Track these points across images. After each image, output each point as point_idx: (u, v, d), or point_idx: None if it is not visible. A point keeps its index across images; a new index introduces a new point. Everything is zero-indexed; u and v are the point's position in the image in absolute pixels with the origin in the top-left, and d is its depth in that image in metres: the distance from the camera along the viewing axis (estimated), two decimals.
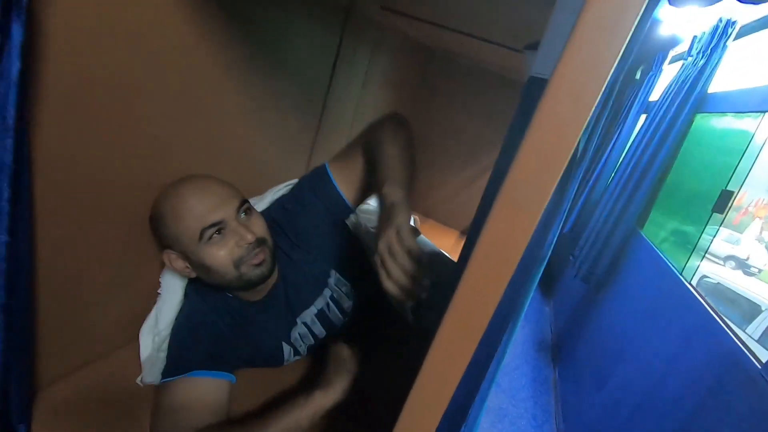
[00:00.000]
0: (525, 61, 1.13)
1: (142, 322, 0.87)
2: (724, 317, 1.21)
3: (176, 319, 0.84)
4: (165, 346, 0.83)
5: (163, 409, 0.73)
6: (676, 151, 1.96)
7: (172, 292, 0.86)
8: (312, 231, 0.91)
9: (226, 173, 0.83)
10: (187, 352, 0.78)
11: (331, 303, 0.95)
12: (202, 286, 0.83)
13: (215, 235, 0.73)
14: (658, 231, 1.99)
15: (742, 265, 9.55)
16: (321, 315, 0.94)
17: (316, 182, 0.92)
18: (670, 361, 1.33)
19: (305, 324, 0.93)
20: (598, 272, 2.15)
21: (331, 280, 0.95)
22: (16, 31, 0.45)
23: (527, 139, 0.30)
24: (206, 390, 0.75)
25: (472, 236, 0.86)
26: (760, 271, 9.37)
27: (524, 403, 2.06)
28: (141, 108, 0.71)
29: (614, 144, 2.88)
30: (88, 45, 0.59)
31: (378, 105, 1.83)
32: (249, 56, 0.91)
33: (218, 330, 0.82)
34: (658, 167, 1.95)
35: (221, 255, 0.74)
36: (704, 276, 4.24)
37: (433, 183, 2.46)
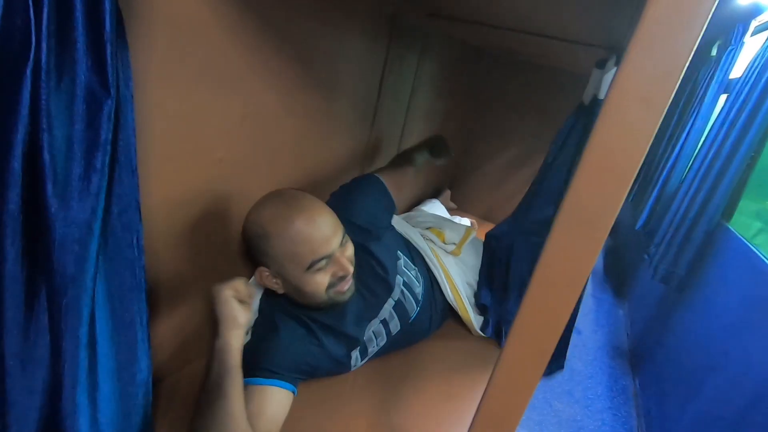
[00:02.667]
0: (593, 75, 1.07)
1: None
2: None
3: (253, 328, 0.87)
4: None
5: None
6: (766, 131, 1.74)
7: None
8: (374, 217, 1.02)
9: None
10: (261, 358, 0.79)
11: (405, 290, 1.00)
12: (279, 298, 0.86)
13: (324, 262, 0.77)
14: (749, 223, 1.78)
15: None
16: (398, 306, 0.98)
17: (364, 180, 1.08)
18: None
19: (383, 321, 0.96)
20: (679, 272, 1.96)
21: (401, 263, 1.01)
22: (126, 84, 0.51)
23: (590, 155, 0.28)
24: (269, 399, 0.76)
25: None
26: None
27: (601, 414, 1.92)
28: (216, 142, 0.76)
29: (690, 130, 2.63)
30: (169, 85, 0.64)
31: (428, 111, 1.81)
32: (304, 78, 0.94)
33: (292, 340, 0.84)
34: (746, 151, 1.74)
35: (320, 282, 0.78)
36: None
37: (490, 185, 2.39)
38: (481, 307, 1.17)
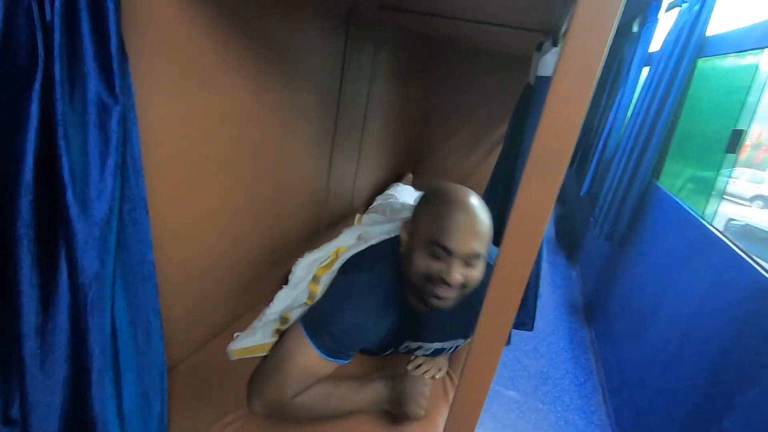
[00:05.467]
0: (534, 58, 1.22)
1: None
2: (750, 254, 1.25)
3: (331, 286, 0.92)
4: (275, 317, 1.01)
5: (295, 365, 0.82)
6: (683, 98, 1.97)
7: (303, 279, 1.03)
8: None
9: (268, 185, 0.92)
10: (350, 342, 0.85)
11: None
12: (380, 262, 0.92)
13: (443, 254, 0.79)
14: (675, 180, 2.02)
15: None
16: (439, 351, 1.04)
17: None
18: (702, 304, 1.38)
19: (424, 349, 1.02)
20: (621, 228, 2.19)
21: None
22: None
23: (545, 118, 0.37)
24: (324, 368, 0.85)
25: (488, 201, 0.95)
26: None
27: (564, 364, 2.13)
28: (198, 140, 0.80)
29: (620, 101, 2.89)
30: (156, 90, 0.68)
31: (387, 99, 1.89)
32: (272, 75, 0.99)
33: (365, 321, 0.87)
34: (667, 117, 1.96)
35: (423, 265, 0.80)
36: (731, 219, 4.20)
37: (447, 164, 2.52)
38: None
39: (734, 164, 1.64)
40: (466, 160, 2.50)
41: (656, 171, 2.09)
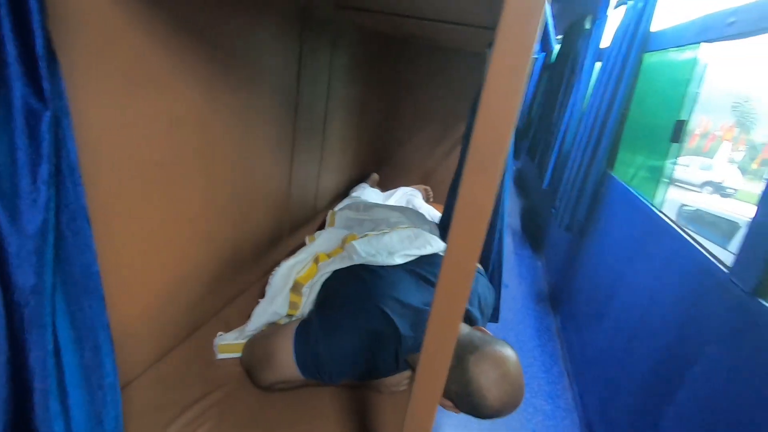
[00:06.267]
0: (486, 55, 1.27)
1: None
2: (695, 236, 1.33)
3: (359, 336, 0.88)
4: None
5: (277, 370, 0.87)
6: (632, 91, 2.06)
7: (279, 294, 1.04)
8: None
9: (226, 190, 0.89)
10: (333, 376, 0.86)
11: None
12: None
13: None
14: (627, 170, 2.11)
15: (719, 189, 9.94)
16: None
17: None
18: (655, 287, 1.45)
19: None
20: (579, 218, 2.27)
21: None
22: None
23: (480, 115, 0.38)
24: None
25: (450, 201, 0.96)
26: (735, 191, 9.76)
27: (532, 352, 2.19)
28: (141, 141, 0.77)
29: (576, 95, 2.99)
30: (93, 93, 0.65)
31: (347, 99, 1.88)
32: (226, 78, 0.96)
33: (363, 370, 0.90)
34: (618, 110, 2.05)
35: None
36: (683, 205, 4.43)
37: (412, 162, 2.54)
38: None
39: (679, 153, 1.74)
40: (430, 157, 2.52)
41: (610, 162, 2.18)
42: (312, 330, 0.88)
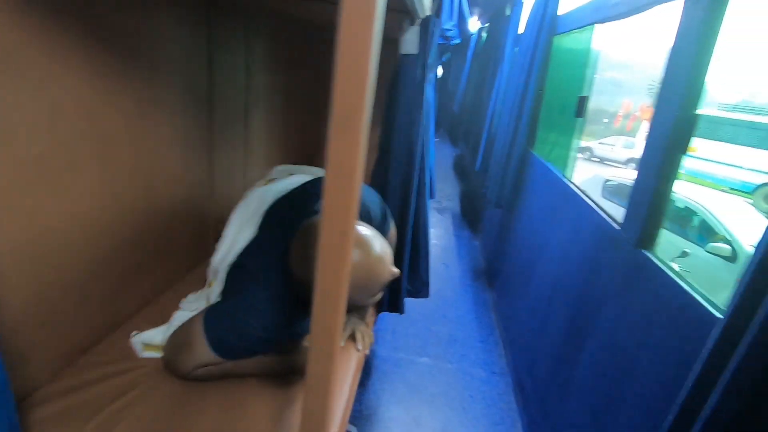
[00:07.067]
0: (400, 38, 1.32)
1: None
2: (595, 201, 1.45)
3: (272, 318, 0.88)
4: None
5: (194, 354, 0.87)
6: (545, 73, 2.20)
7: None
8: None
9: (129, 185, 0.86)
10: (258, 347, 0.89)
11: None
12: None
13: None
14: (544, 146, 2.26)
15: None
16: None
17: None
18: (565, 252, 1.58)
19: None
20: (506, 195, 2.40)
21: None
22: None
23: (337, 84, 0.41)
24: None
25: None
26: None
27: (470, 325, 2.30)
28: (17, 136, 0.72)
29: (500, 80, 3.14)
30: None
31: (270, 90, 1.85)
32: (123, 67, 0.92)
33: (275, 342, 0.91)
34: (533, 91, 2.19)
35: None
36: (607, 180, 4.80)
37: None
38: None
39: (584, 126, 1.88)
40: (372, 132, 2.54)
41: (530, 140, 2.32)
42: (217, 307, 0.91)
